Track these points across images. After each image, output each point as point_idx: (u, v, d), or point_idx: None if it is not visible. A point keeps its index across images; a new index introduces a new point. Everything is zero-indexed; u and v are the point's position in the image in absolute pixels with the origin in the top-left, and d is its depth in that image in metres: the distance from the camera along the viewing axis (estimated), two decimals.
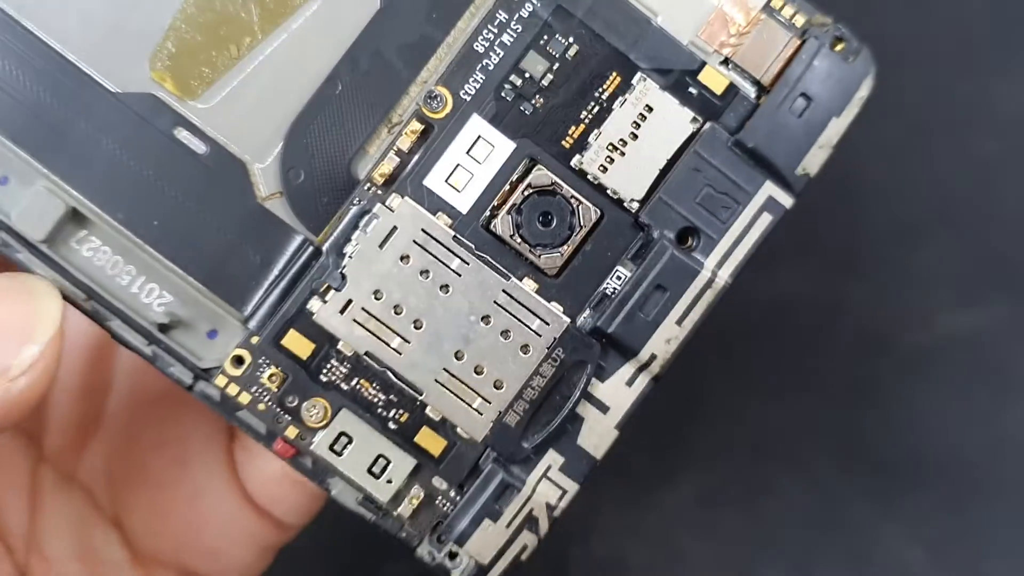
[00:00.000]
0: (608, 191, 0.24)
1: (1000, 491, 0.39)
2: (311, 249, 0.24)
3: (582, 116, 0.24)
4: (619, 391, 0.24)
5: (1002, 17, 0.41)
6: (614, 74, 0.24)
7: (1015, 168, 0.41)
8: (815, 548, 0.38)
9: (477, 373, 0.24)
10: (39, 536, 0.28)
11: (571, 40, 0.24)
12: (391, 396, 0.24)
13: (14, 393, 0.22)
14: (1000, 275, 0.41)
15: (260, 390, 0.24)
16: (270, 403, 0.24)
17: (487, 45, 0.24)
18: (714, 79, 0.24)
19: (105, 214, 0.24)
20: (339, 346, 0.24)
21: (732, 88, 0.24)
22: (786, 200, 0.24)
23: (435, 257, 0.24)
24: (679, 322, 0.24)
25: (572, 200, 0.24)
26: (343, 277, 0.24)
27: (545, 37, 0.24)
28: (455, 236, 0.24)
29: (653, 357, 0.24)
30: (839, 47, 0.24)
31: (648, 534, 0.38)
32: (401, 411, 0.24)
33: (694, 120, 0.24)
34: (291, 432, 0.24)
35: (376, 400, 0.24)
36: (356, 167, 0.24)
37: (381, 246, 0.24)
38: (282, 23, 0.24)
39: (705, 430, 0.39)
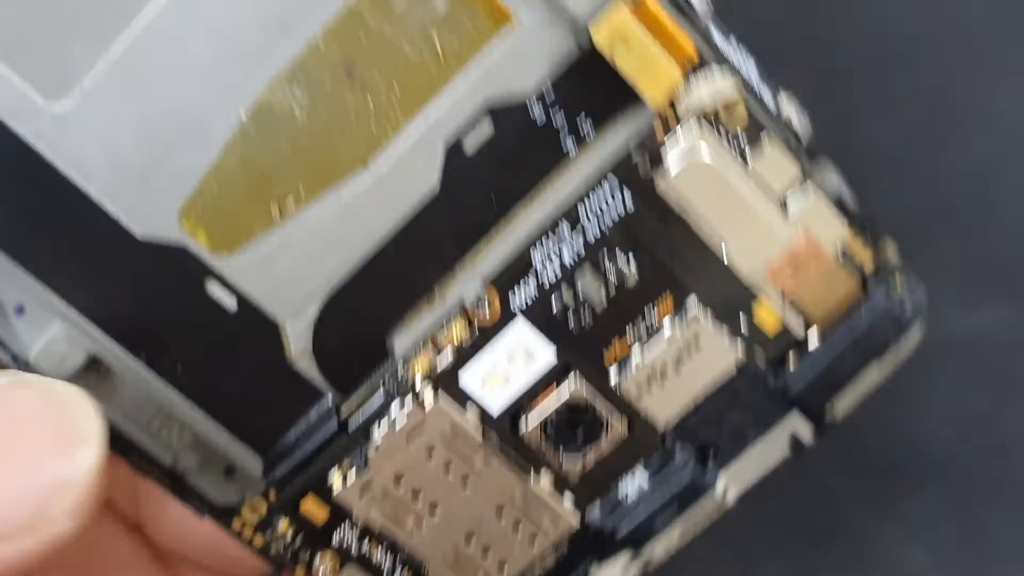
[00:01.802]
0: (640, 410, 0.24)
1: (1003, 492, 0.39)
2: (338, 416, 0.24)
3: (627, 334, 0.24)
4: None
5: (1002, 17, 0.39)
6: (667, 295, 0.23)
7: (1015, 168, 0.40)
8: (815, 549, 0.39)
9: (483, 553, 0.25)
10: None
11: (630, 257, 0.23)
12: (397, 561, 0.25)
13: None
14: (1001, 276, 0.40)
15: (273, 536, 0.25)
16: (280, 549, 0.25)
17: (543, 254, 0.23)
18: (768, 316, 0.24)
19: (125, 355, 0.23)
20: (353, 515, 0.25)
21: (784, 328, 0.24)
22: (807, 438, 0.25)
23: (459, 454, 0.24)
24: (681, 533, 0.25)
25: (603, 413, 0.24)
26: (367, 461, 0.24)
27: (604, 251, 0.23)
28: (483, 437, 0.24)
29: (649, 559, 0.25)
30: (898, 289, 0.24)
31: None
32: None
33: (739, 355, 0.24)
34: (299, 574, 0.25)
35: (383, 565, 0.25)
36: (393, 339, 0.24)
37: (408, 438, 0.24)
38: (329, 189, 0.23)
39: None
